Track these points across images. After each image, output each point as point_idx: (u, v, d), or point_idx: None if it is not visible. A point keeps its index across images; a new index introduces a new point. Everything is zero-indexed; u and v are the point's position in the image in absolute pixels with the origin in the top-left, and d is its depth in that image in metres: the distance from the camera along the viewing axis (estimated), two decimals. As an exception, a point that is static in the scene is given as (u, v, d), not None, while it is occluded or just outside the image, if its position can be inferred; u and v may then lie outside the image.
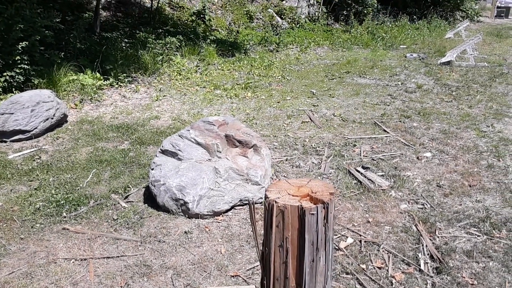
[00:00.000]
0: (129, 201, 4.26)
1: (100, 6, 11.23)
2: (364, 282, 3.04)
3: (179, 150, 4.14)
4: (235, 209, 4.05)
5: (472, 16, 18.08)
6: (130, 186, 4.51)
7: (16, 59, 6.89)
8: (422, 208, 4.12)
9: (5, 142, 5.68)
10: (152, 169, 4.11)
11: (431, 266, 3.25)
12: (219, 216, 3.91)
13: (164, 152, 4.22)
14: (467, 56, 10.93)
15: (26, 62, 7.01)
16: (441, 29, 15.88)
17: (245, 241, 3.57)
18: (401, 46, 13.50)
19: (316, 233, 1.89)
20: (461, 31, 14.71)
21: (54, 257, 3.37)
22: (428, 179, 4.71)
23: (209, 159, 4.17)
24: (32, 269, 3.23)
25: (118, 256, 3.38)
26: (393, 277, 3.11)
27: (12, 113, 5.67)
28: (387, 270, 3.19)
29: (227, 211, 3.98)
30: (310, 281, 1.95)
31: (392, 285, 3.04)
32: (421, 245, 3.49)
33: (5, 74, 6.88)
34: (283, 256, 1.95)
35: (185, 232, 3.69)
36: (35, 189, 4.48)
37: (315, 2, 15.69)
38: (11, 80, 6.95)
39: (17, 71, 6.92)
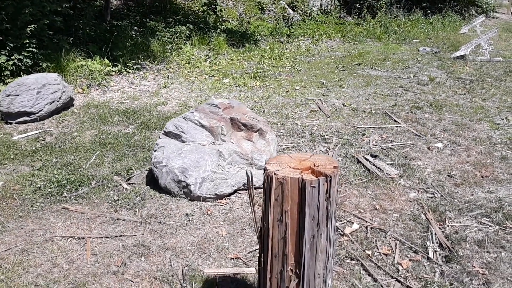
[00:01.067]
0: (131, 183, 4.19)
1: (111, -6, 11.19)
2: (369, 268, 2.92)
3: (183, 132, 4.05)
4: (238, 193, 3.95)
5: (488, 11, 17.68)
6: (133, 169, 4.44)
7: (25, 42, 6.85)
8: (431, 197, 3.98)
9: (11, 123, 5.65)
10: (155, 151, 4.02)
11: (439, 255, 3.12)
12: (221, 199, 3.81)
13: (168, 134, 4.13)
14: (481, 51, 10.66)
15: (34, 46, 6.97)
16: (455, 24, 15.55)
17: (247, 224, 3.47)
18: (414, 40, 13.24)
19: (317, 208, 1.78)
20: (476, 27, 14.39)
21: (51, 235, 3.31)
22: (438, 169, 4.56)
23: (213, 142, 4.07)
24: (29, 246, 3.17)
25: (117, 236, 3.31)
26: (399, 264, 2.98)
27: (18, 95, 5.63)
28: (394, 257, 3.06)
29: (230, 194, 3.88)
30: (310, 259, 1.84)
31: (398, 272, 2.92)
32: (430, 233, 3.36)
33: (13, 57, 6.84)
34: (281, 231, 1.84)
35: (186, 214, 3.60)
36: (37, 169, 4.43)
37: (328, -6, 15.48)
38: (19, 64, 6.91)
39: (25, 54, 6.88)
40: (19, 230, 3.40)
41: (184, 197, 3.81)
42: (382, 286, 2.76)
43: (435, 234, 3.34)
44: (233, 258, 3.05)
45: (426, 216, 3.61)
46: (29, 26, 6.88)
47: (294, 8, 15.20)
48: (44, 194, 3.95)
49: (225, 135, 4.09)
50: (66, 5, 7.61)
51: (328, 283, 1.95)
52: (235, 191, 3.91)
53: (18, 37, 6.93)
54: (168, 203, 3.78)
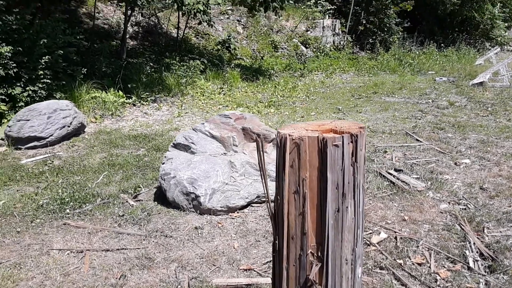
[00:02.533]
0: (138, 200, 3.93)
1: (128, 36, 11.45)
2: (402, 277, 2.55)
3: (192, 143, 3.83)
4: (252, 206, 3.64)
5: (503, 43, 17.57)
6: (141, 186, 4.19)
7: (39, 74, 6.88)
8: (465, 209, 3.60)
9: (20, 149, 5.53)
10: (163, 163, 3.80)
11: (482, 264, 2.72)
12: (233, 212, 3.51)
13: (176, 146, 3.91)
14: (500, 77, 10.41)
15: (49, 77, 6.99)
16: (470, 57, 15.43)
17: (263, 236, 3.15)
18: (430, 72, 13.09)
19: (342, 173, 1.49)
20: (491, 57, 14.21)
21: (48, 249, 3.03)
22: (469, 182, 4.20)
23: (224, 153, 3.83)
24: (23, 260, 2.89)
25: (118, 249, 3.01)
26: (437, 273, 2.60)
27: (28, 120, 5.55)
28: (429, 267, 2.68)
29: (243, 207, 3.58)
30: (335, 239, 1.53)
31: (436, 281, 2.53)
32: (467, 242, 2.98)
33: (28, 88, 6.86)
34: (299, 205, 1.54)
35: (195, 228, 3.30)
36: (41, 189, 4.23)
37: (340, 31, 15.63)
38: (34, 95, 6.91)
39: (40, 85, 6.89)
40: (14, 245, 3.14)
41: (193, 211, 3.53)
42: (418, 296, 2.38)
43: (474, 243, 2.95)
44: (245, 270, 2.71)
45: (461, 227, 3.23)
46: (43, 58, 6.94)
47: (307, 46, 15.34)
48: (46, 211, 3.71)
49: (237, 146, 3.85)
50: (80, 37, 7.71)
51: (358, 272, 1.62)
52: (248, 204, 3.61)
53: (33, 69, 6.97)
54: (176, 218, 3.50)
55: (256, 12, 12.12)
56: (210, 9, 10.12)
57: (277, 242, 1.63)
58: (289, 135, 1.52)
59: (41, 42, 6.91)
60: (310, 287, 1.55)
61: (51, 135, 5.62)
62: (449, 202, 3.73)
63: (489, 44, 17.79)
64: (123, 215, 3.58)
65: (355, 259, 1.59)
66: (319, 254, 1.54)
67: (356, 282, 1.62)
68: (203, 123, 4.00)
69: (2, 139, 5.83)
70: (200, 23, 10.97)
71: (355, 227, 1.57)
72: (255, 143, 3.93)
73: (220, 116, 4.06)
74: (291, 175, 1.54)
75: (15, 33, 6.99)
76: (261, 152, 1.60)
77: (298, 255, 1.57)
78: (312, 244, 1.56)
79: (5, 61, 6.48)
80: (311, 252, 1.55)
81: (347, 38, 15.23)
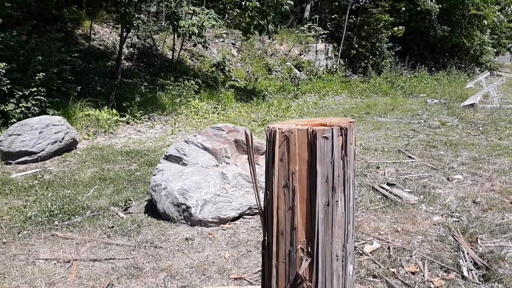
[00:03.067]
0: (129, 213, 3.88)
1: (123, 57, 11.56)
2: (395, 286, 2.50)
3: (184, 154, 3.81)
4: (243, 217, 3.60)
5: (492, 69, 17.92)
6: (132, 200, 4.14)
7: (33, 90, 6.88)
8: (458, 221, 3.58)
9: (10, 164, 5.47)
10: (154, 175, 3.76)
11: (476, 274, 2.69)
12: (225, 223, 3.47)
13: (168, 157, 3.89)
14: (490, 99, 10.57)
15: (42, 94, 6.99)
16: (460, 80, 15.70)
17: (254, 246, 3.10)
18: (421, 94, 13.27)
19: (332, 165, 1.48)
20: (481, 81, 14.48)
21: (34, 259, 2.96)
22: (462, 196, 4.20)
23: (216, 165, 3.81)
24: (7, 270, 2.82)
25: (107, 259, 2.94)
26: (431, 282, 2.56)
27: (20, 134, 5.52)
28: (423, 276, 2.64)
29: (234, 219, 3.53)
30: (325, 233, 1.51)
31: (429, 290, 2.49)
32: (461, 252, 2.95)
33: (21, 105, 6.85)
34: (288, 199, 1.53)
35: (186, 239, 3.25)
36: (31, 202, 4.16)
37: (333, 55, 15.89)
38: (27, 112, 6.89)
39: (33, 102, 6.88)
40: (0, 256, 3.06)
41: (184, 222, 3.48)
42: (412, 303, 2.33)
43: (468, 253, 2.93)
44: (236, 279, 2.65)
45: (454, 238, 3.21)
46: (38, 75, 6.95)
47: (300, 69, 15.55)
48: (34, 223, 3.64)
49: (229, 158, 3.83)
50: (75, 55, 7.76)
51: (349, 269, 1.59)
52: (240, 215, 3.57)
53: (27, 86, 6.98)
54: (166, 229, 3.44)
55: (250, 35, 12.31)
56: (205, 32, 10.26)
57: (266, 238, 1.60)
58: (279, 128, 1.51)
59: (35, 59, 6.95)
60: (300, 284, 1.52)
61: (43, 150, 5.58)
62: (442, 215, 3.71)
63: (479, 69, 18.14)
64: (112, 227, 3.52)
65: (346, 256, 1.56)
66: (309, 249, 1.52)
67: (347, 279, 1.58)
68: (195, 135, 4.00)
69: (-7, 155, 5.78)
70: (195, 45, 11.10)
71: (346, 222, 1.55)
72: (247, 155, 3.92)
73: (212, 129, 4.06)
74: (280, 169, 1.52)
75: (10, 50, 7.03)
76: (250, 144, 1.59)
77: (287, 251, 1.54)
78: (302, 239, 1.53)
79: (-1, 77, 6.50)
80: (301, 247, 1.52)
81: (339, 61, 15.47)
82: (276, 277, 1.56)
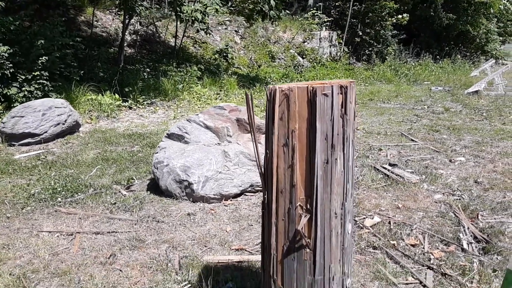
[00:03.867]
0: (131, 191, 3.90)
1: (126, 44, 11.53)
2: (395, 256, 2.52)
3: (186, 132, 3.82)
4: (245, 194, 3.62)
5: (498, 57, 17.78)
6: (134, 178, 4.16)
7: (36, 74, 6.89)
8: (459, 199, 3.58)
9: (14, 145, 5.50)
10: (156, 153, 3.78)
11: (475, 247, 2.70)
12: (227, 200, 3.48)
13: (170, 136, 3.90)
14: (495, 86, 10.50)
15: (45, 78, 7.00)
16: (465, 69, 15.60)
17: (255, 221, 3.12)
18: (425, 82, 13.20)
19: (331, 123, 1.49)
20: (486, 69, 14.38)
21: (38, 232, 2.99)
22: (464, 177, 4.19)
23: (218, 143, 3.82)
24: (11, 242, 2.85)
25: (109, 232, 2.97)
26: (431, 253, 2.57)
27: (23, 116, 5.54)
28: (423, 248, 2.66)
29: (236, 196, 3.55)
30: (324, 191, 1.52)
31: (430, 260, 2.50)
32: (461, 227, 2.95)
33: (24, 89, 6.86)
34: (288, 157, 1.53)
35: (188, 214, 3.27)
36: (34, 181, 4.19)
37: (337, 42, 15.79)
38: (30, 95, 6.91)
39: (36, 86, 6.89)
40: (4, 229, 3.09)
41: (186, 199, 3.50)
42: (412, 272, 2.34)
43: (468, 228, 2.93)
44: (237, 249, 2.68)
45: (455, 214, 3.21)
46: (40, 59, 6.95)
47: (303, 56, 15.47)
48: (37, 199, 3.67)
49: (231, 136, 3.84)
50: (78, 39, 7.75)
51: (348, 227, 1.60)
52: (242, 192, 3.58)
53: (30, 70, 6.99)
54: (168, 205, 3.46)
55: (253, 22, 12.24)
56: (208, 17, 10.21)
57: (265, 197, 1.61)
58: (279, 87, 1.52)
59: (38, 43, 6.95)
60: (299, 241, 1.53)
61: (46, 132, 5.60)
62: (443, 194, 3.72)
63: (484, 57, 17.99)
64: (115, 203, 3.54)
65: (344, 214, 1.57)
66: (308, 206, 1.53)
67: (346, 237, 1.59)
68: (197, 114, 4.00)
69: (-4, 137, 5.81)
70: (197, 31, 11.06)
71: (344, 180, 1.56)
72: (249, 134, 3.93)
73: (214, 108, 4.06)
74: (280, 127, 1.53)
75: (13, 34, 7.03)
76: (250, 103, 1.60)
77: (287, 208, 1.56)
78: (301, 197, 1.54)
79: (2, 61, 6.50)
80: (299, 205, 1.53)
81: (343, 49, 15.38)
82: (275, 234, 1.57)
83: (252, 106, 1.62)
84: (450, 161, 4.78)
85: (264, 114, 7.67)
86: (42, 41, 7.00)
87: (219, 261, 2.46)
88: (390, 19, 14.96)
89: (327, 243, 1.54)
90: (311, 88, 1.47)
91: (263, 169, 1.64)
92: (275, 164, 1.55)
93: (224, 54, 13.27)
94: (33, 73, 6.91)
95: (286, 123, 1.51)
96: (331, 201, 1.53)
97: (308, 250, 1.53)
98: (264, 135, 3.87)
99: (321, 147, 1.49)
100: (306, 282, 1.56)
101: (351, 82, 1.54)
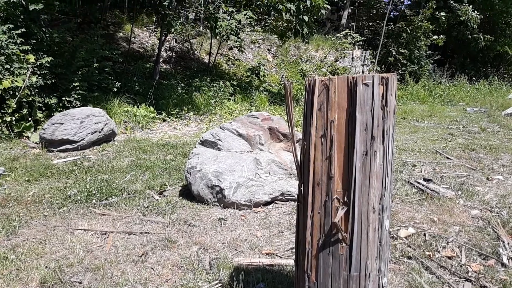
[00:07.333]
0: (164, 196, 3.95)
1: (161, 59, 11.89)
2: (431, 267, 2.43)
3: (219, 140, 3.86)
4: (276, 203, 3.60)
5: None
6: (167, 185, 4.22)
7: (76, 85, 7.18)
8: (497, 216, 3.44)
9: (52, 151, 5.70)
10: (190, 159, 3.83)
11: (518, 262, 2.57)
12: (257, 207, 3.47)
13: (203, 143, 3.95)
14: (536, 108, 10.13)
15: (84, 89, 7.28)
16: (502, 90, 15.13)
17: (286, 228, 3.09)
18: (460, 103, 12.89)
19: (371, 114, 1.47)
20: (526, 91, 13.91)
21: (73, 230, 3.06)
22: (502, 194, 4.03)
23: (250, 151, 3.84)
24: (48, 238, 2.93)
25: (142, 233, 3.01)
26: (468, 266, 2.47)
27: (62, 123, 5.75)
28: (460, 260, 2.55)
29: (267, 203, 3.54)
30: (362, 184, 1.50)
31: (468, 273, 2.40)
32: (501, 242, 2.83)
33: (63, 98, 7.15)
34: (326, 149, 1.53)
35: (219, 219, 3.28)
36: (70, 184, 4.32)
37: (370, 62, 15.73)
38: (69, 105, 7.19)
39: (75, 96, 7.16)
40: (41, 226, 3.19)
41: (217, 205, 3.51)
42: (449, 283, 2.25)
43: (508, 243, 2.80)
44: (268, 254, 2.65)
45: (494, 230, 3.08)
46: (80, 70, 7.25)
47: (335, 75, 15.44)
48: (73, 201, 3.78)
49: (263, 145, 3.85)
50: (116, 52, 8.04)
51: (386, 224, 1.56)
52: (273, 200, 3.57)
53: (70, 81, 7.29)
54: (199, 210, 3.49)
55: (287, 39, 12.38)
56: (242, 31, 10.40)
57: (301, 189, 1.60)
58: (318, 77, 1.52)
59: (79, 55, 7.25)
60: (335, 235, 1.51)
61: (83, 139, 5.78)
62: (480, 210, 3.58)
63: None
64: (147, 207, 3.60)
65: (382, 209, 1.54)
66: (345, 199, 1.51)
67: (383, 234, 1.56)
68: (230, 122, 4.05)
69: (37, 143, 6.05)
70: (231, 48, 11.26)
71: (384, 174, 1.53)
72: (281, 142, 3.93)
73: (247, 116, 4.10)
74: (318, 118, 1.53)
75: (56, 46, 7.38)
76: (289, 93, 1.61)
77: (323, 201, 1.54)
78: (338, 190, 1.52)
79: (45, 72, 6.81)
80: (336, 198, 1.52)
81: (376, 68, 15.28)
82: (311, 228, 1.56)
83: (291, 95, 1.63)
84: (488, 179, 4.61)
85: (297, 129, 7.66)
86: (83, 53, 7.31)
87: (250, 263, 2.45)
88: (425, 39, 14.80)
89: (364, 238, 1.51)
90: (352, 78, 1.47)
91: (299, 161, 1.64)
92: (312, 156, 1.55)
93: (256, 72, 13.43)
94: (73, 84, 7.20)
95: (325, 114, 1.51)
96: (369, 195, 1.51)
97: (344, 244, 1.50)
98: (296, 144, 3.87)
99: (360, 138, 1.48)
100: (341, 278, 1.53)
101: (392, 74, 1.53)
